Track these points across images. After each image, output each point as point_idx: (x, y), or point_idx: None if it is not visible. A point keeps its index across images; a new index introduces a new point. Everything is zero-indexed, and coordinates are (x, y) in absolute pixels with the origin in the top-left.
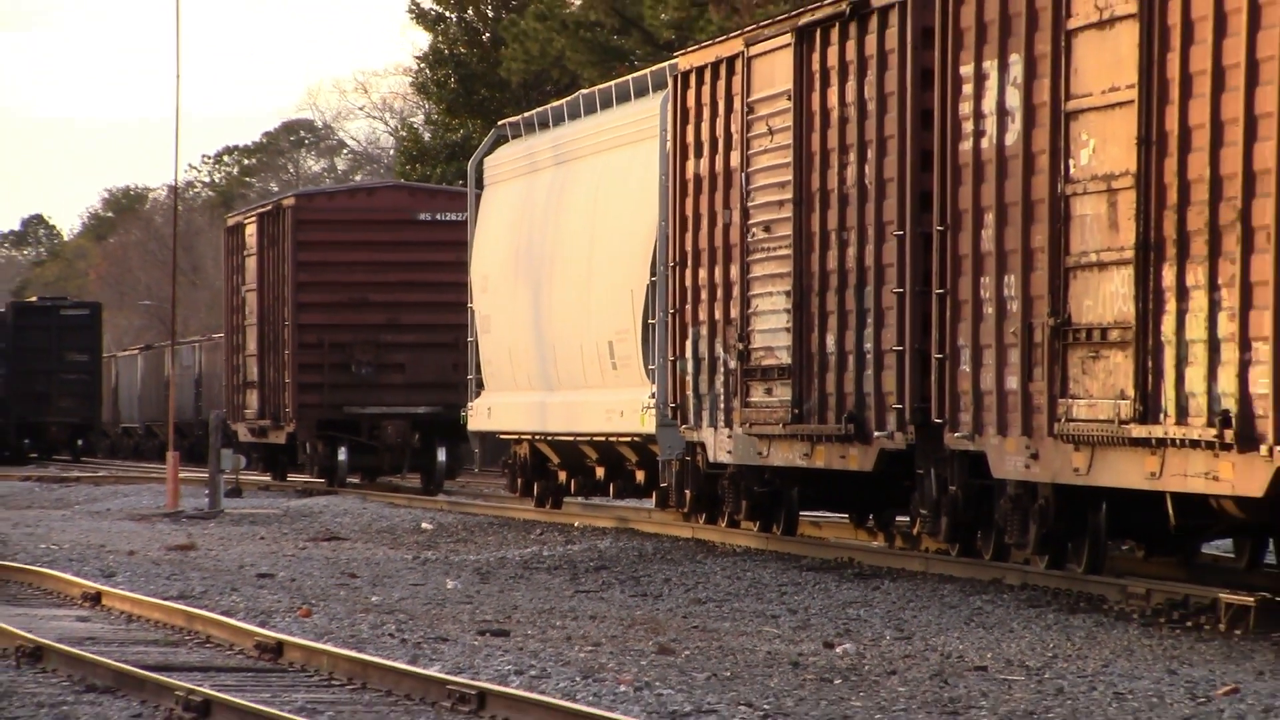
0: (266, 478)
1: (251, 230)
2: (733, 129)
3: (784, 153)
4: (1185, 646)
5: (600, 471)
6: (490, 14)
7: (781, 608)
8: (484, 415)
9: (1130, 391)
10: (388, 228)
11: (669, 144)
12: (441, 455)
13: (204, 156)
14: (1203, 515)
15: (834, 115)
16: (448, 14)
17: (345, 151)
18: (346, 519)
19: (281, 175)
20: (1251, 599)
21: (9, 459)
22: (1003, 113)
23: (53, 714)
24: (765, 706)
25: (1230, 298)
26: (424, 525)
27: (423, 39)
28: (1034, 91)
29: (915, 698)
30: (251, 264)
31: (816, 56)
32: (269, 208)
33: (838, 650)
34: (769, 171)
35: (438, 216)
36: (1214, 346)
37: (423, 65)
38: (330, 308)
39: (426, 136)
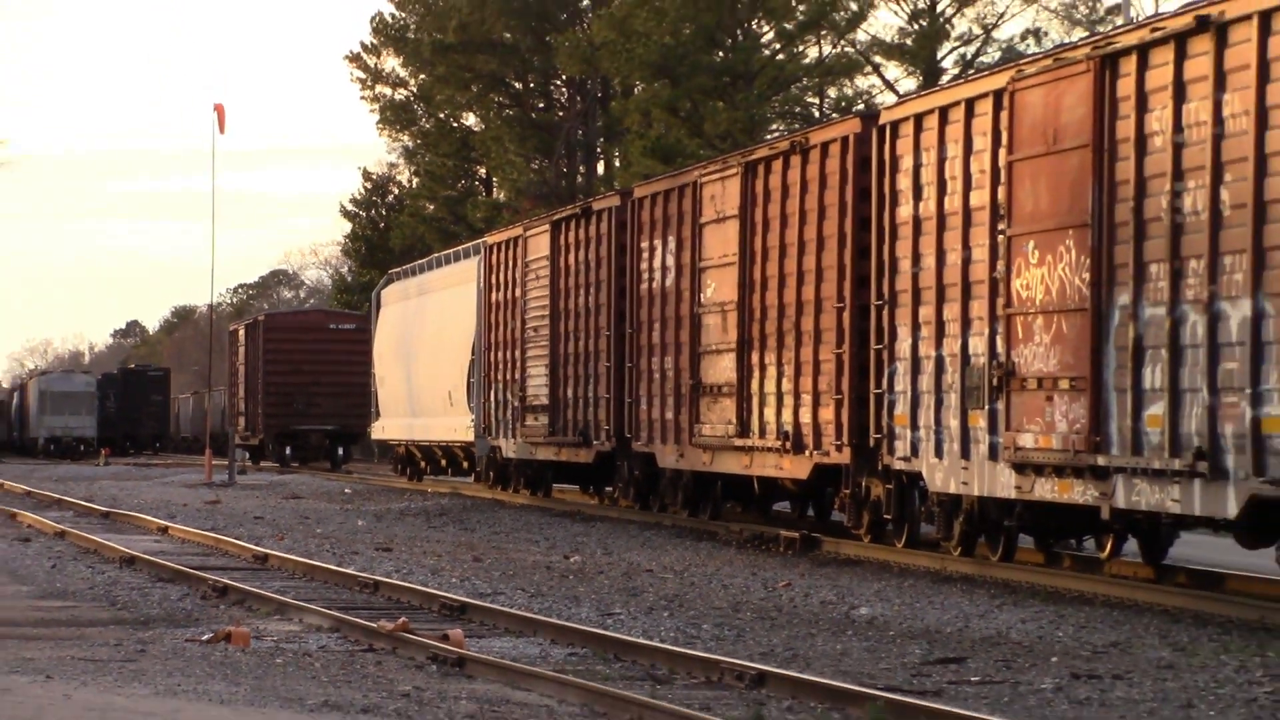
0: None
1: (241, 333)
2: (516, 276)
3: (544, 289)
4: (761, 561)
5: (444, 461)
6: (383, 213)
7: (540, 536)
8: (380, 430)
9: (734, 420)
10: (314, 332)
11: (482, 284)
12: (340, 451)
13: (226, 288)
14: (773, 489)
15: (572, 268)
16: (359, 213)
17: (304, 288)
18: (303, 487)
19: (266, 301)
20: (797, 534)
21: (120, 453)
22: (664, 268)
23: (139, 592)
24: (531, 589)
25: (786, 369)
26: (346, 490)
27: (346, 226)
28: (681, 256)
29: (613, 586)
30: (241, 351)
31: (563, 237)
32: (251, 321)
33: (571, 560)
34: (537, 299)
35: (340, 326)
36: (779, 396)
37: (347, 239)
38: (283, 374)
39: (349, 279)
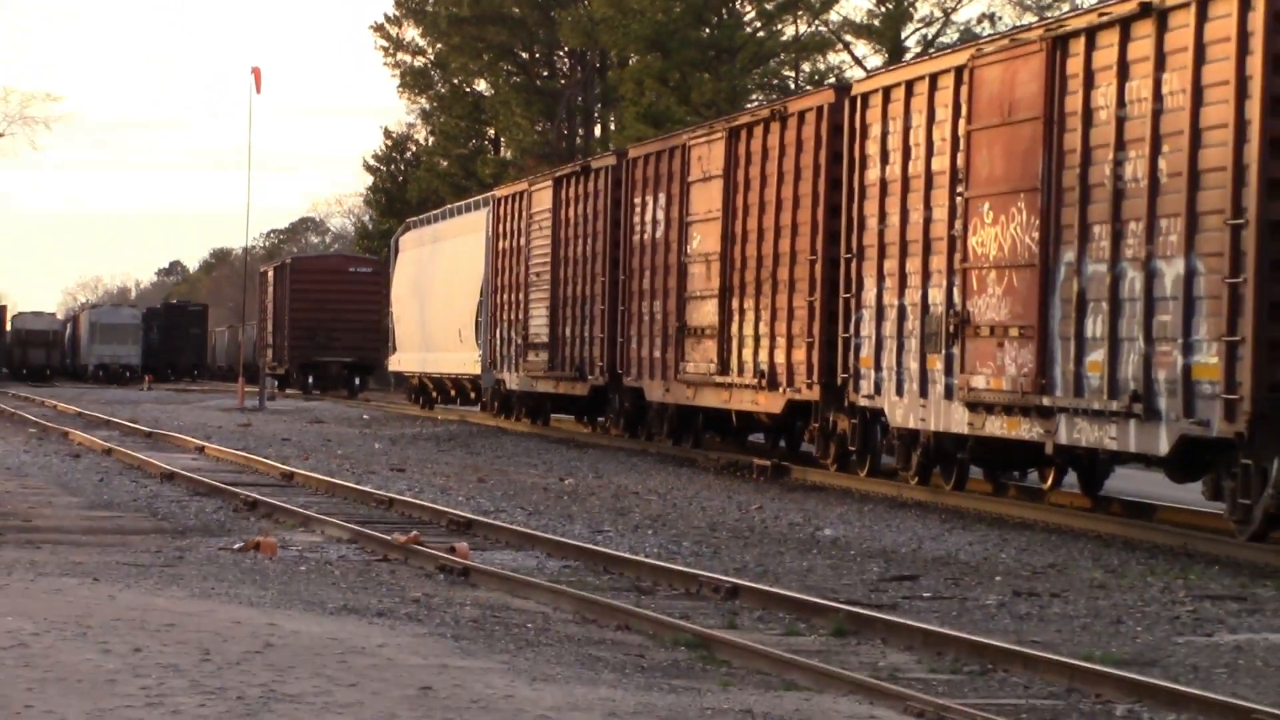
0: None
1: (271, 274)
2: (521, 226)
3: (547, 238)
4: (737, 486)
5: (453, 392)
6: (402, 168)
7: (539, 461)
8: (397, 363)
9: (715, 359)
10: (335, 274)
11: (490, 233)
12: (356, 381)
13: (259, 233)
14: (750, 422)
15: (571, 220)
16: (380, 167)
17: (329, 234)
18: (325, 413)
19: (295, 246)
20: (769, 463)
21: (162, 380)
22: (655, 222)
23: (177, 505)
24: (530, 508)
25: (763, 314)
26: (364, 416)
27: (368, 179)
28: (670, 211)
29: (603, 506)
30: (270, 290)
31: (564, 192)
32: (279, 264)
33: (566, 483)
34: (539, 248)
35: (359, 270)
36: (756, 338)
37: (369, 190)
38: (307, 311)
39: (370, 227)
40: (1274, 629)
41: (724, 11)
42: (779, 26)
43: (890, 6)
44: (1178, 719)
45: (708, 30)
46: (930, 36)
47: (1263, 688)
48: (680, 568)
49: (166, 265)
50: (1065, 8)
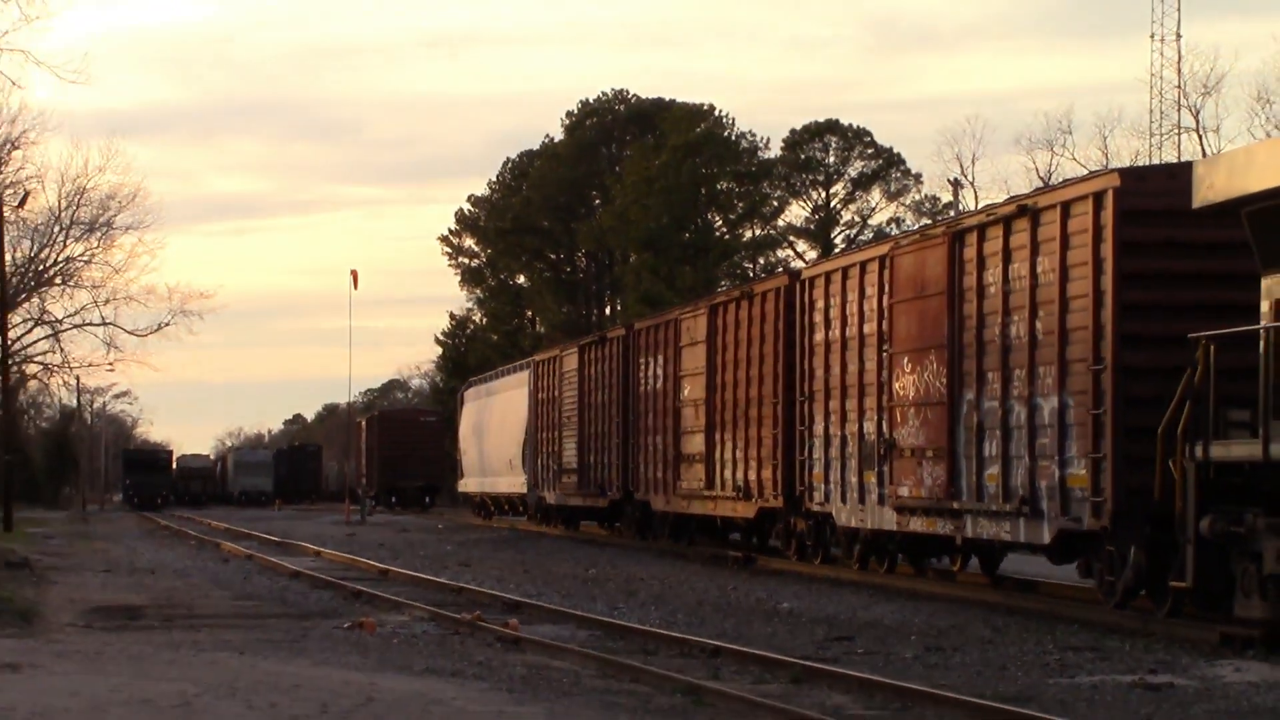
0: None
1: (363, 424)
2: (555, 382)
3: (575, 390)
4: (718, 573)
5: (506, 506)
6: (464, 341)
7: (570, 556)
8: (464, 485)
9: (703, 478)
10: (410, 423)
11: (531, 387)
12: (426, 499)
13: (359, 392)
14: (730, 525)
15: (592, 376)
16: (447, 340)
17: (410, 391)
18: (410, 525)
19: (385, 401)
20: (741, 555)
21: (289, 502)
22: (655, 376)
23: (301, 595)
24: (564, 591)
25: (741, 443)
26: (439, 526)
27: (438, 350)
28: (667, 368)
29: (618, 589)
30: (364, 434)
31: (587, 355)
32: (370, 416)
33: (590, 572)
34: (569, 397)
35: (427, 420)
36: (734, 461)
37: (439, 359)
38: (391, 448)
39: (440, 385)
40: (1120, 672)
41: (699, 221)
42: (740, 231)
43: (822, 215)
44: None
45: (687, 235)
46: (853, 236)
47: (1111, 716)
48: (676, 634)
49: (290, 417)
50: (951, 213)
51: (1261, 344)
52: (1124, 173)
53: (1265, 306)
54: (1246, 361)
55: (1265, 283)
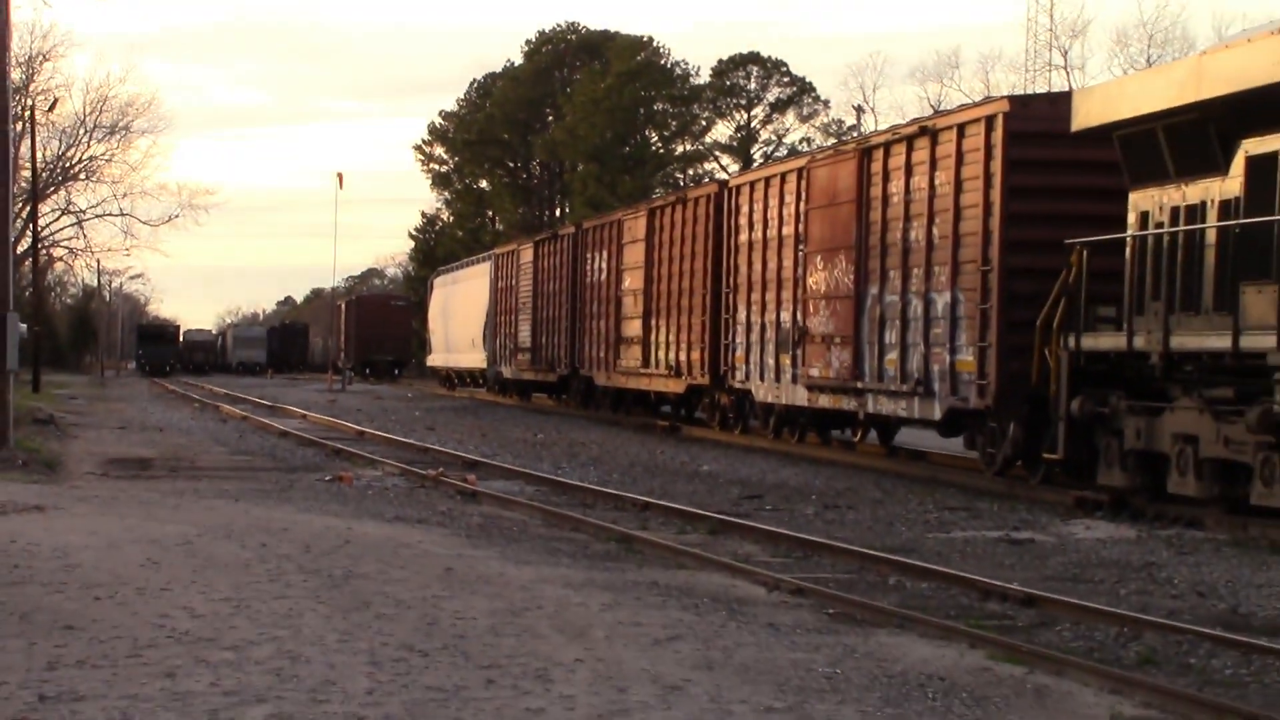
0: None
1: (344, 307)
2: (513, 272)
3: (530, 280)
4: (649, 439)
5: (468, 379)
6: (433, 237)
7: (522, 423)
8: (431, 360)
9: (640, 357)
10: (382, 307)
11: (492, 276)
12: (395, 371)
13: (342, 279)
14: (662, 399)
15: (546, 268)
16: (419, 235)
17: (386, 279)
18: (384, 393)
19: (365, 287)
20: (669, 423)
21: (279, 372)
22: (600, 269)
23: (289, 452)
24: (515, 453)
25: (674, 328)
26: (409, 395)
27: (410, 244)
28: (610, 263)
29: (562, 452)
30: (344, 316)
31: (541, 250)
32: (349, 300)
33: (539, 437)
34: (525, 286)
35: (397, 303)
36: (667, 344)
37: (412, 251)
38: (366, 328)
39: (412, 274)
40: (989, 529)
41: (638, 137)
42: (673, 146)
43: (744, 134)
44: (928, 586)
45: (627, 148)
46: (769, 153)
47: (981, 566)
48: (611, 491)
49: (282, 298)
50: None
51: (1127, 250)
52: (1012, 99)
53: (1131, 218)
54: (1114, 265)
55: (1132, 197)
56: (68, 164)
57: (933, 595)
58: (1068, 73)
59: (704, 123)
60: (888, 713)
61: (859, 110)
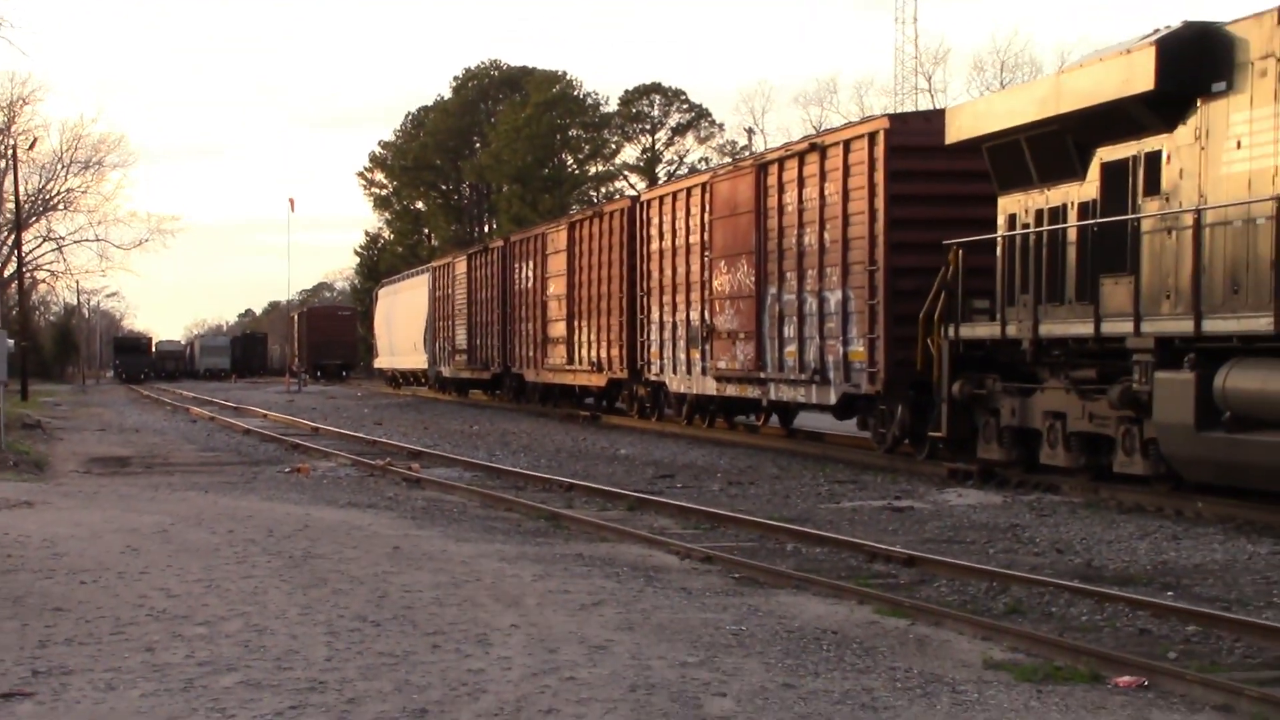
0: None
1: (297, 317)
2: (449, 282)
3: (464, 289)
4: (572, 427)
5: (411, 379)
6: (376, 253)
7: (459, 416)
8: (378, 362)
9: (565, 355)
10: (330, 316)
11: (430, 286)
12: (343, 373)
13: (296, 292)
14: (586, 391)
15: (478, 278)
16: (363, 252)
17: (335, 291)
18: (335, 393)
19: (316, 299)
20: (589, 413)
21: (242, 377)
22: (527, 277)
23: (252, 447)
24: (453, 443)
25: (595, 329)
26: (358, 394)
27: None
28: (536, 271)
29: (496, 441)
30: (297, 325)
31: (474, 262)
32: (301, 311)
33: (474, 428)
34: (460, 294)
35: (343, 313)
36: (589, 343)
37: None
38: (316, 335)
39: (359, 286)
40: (874, 498)
41: (555, 160)
42: (587, 167)
43: (649, 155)
44: (821, 551)
45: (546, 170)
46: (672, 171)
47: (867, 531)
48: (540, 474)
49: (243, 310)
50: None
51: (998, 249)
52: (892, 117)
53: (1001, 220)
54: (987, 263)
55: (1000, 201)
56: (48, 196)
57: (825, 559)
58: (932, 95)
59: (614, 146)
60: (788, 664)
61: (750, 132)
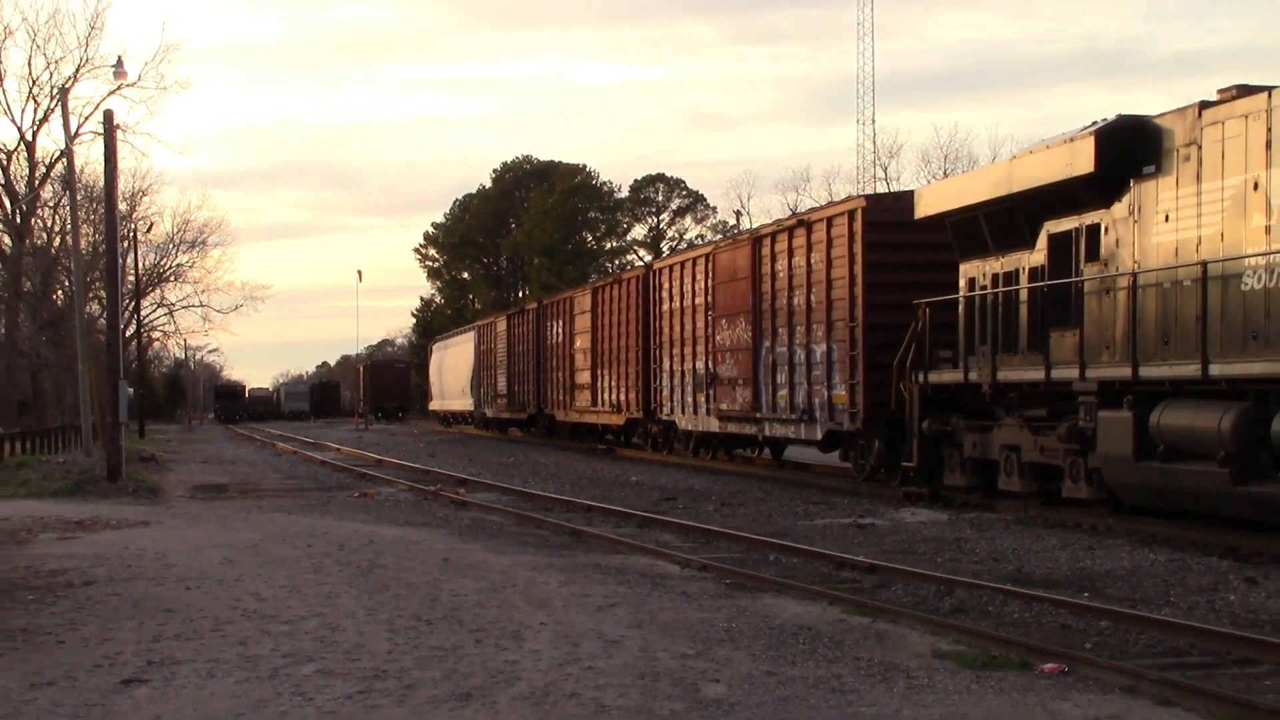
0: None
1: (362, 368)
2: (491, 338)
3: (505, 344)
4: (592, 459)
5: (460, 419)
6: (430, 314)
7: (499, 450)
8: (431, 405)
9: (590, 398)
10: (388, 368)
11: (476, 341)
12: (399, 414)
13: (363, 347)
14: (607, 429)
15: (516, 335)
16: (418, 314)
17: (395, 346)
18: (396, 431)
19: (380, 353)
20: (607, 447)
21: (320, 417)
22: (556, 334)
23: (327, 476)
24: (494, 472)
25: (615, 376)
26: (415, 431)
27: (412, 320)
28: (566, 329)
29: (529, 470)
30: (362, 375)
31: (513, 322)
32: (366, 364)
33: (511, 460)
34: (501, 348)
35: (397, 365)
36: (610, 388)
37: (414, 326)
38: (376, 383)
39: (415, 342)
40: (842, 517)
41: (577, 237)
42: (603, 244)
43: (654, 233)
44: (798, 560)
45: (570, 246)
46: (674, 246)
47: (835, 544)
48: (564, 498)
49: (320, 362)
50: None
51: (960, 307)
52: (868, 197)
53: (962, 283)
54: (950, 319)
55: (962, 267)
56: (161, 270)
57: (802, 567)
58: (888, 183)
59: (625, 225)
60: (770, 655)
61: (738, 213)
